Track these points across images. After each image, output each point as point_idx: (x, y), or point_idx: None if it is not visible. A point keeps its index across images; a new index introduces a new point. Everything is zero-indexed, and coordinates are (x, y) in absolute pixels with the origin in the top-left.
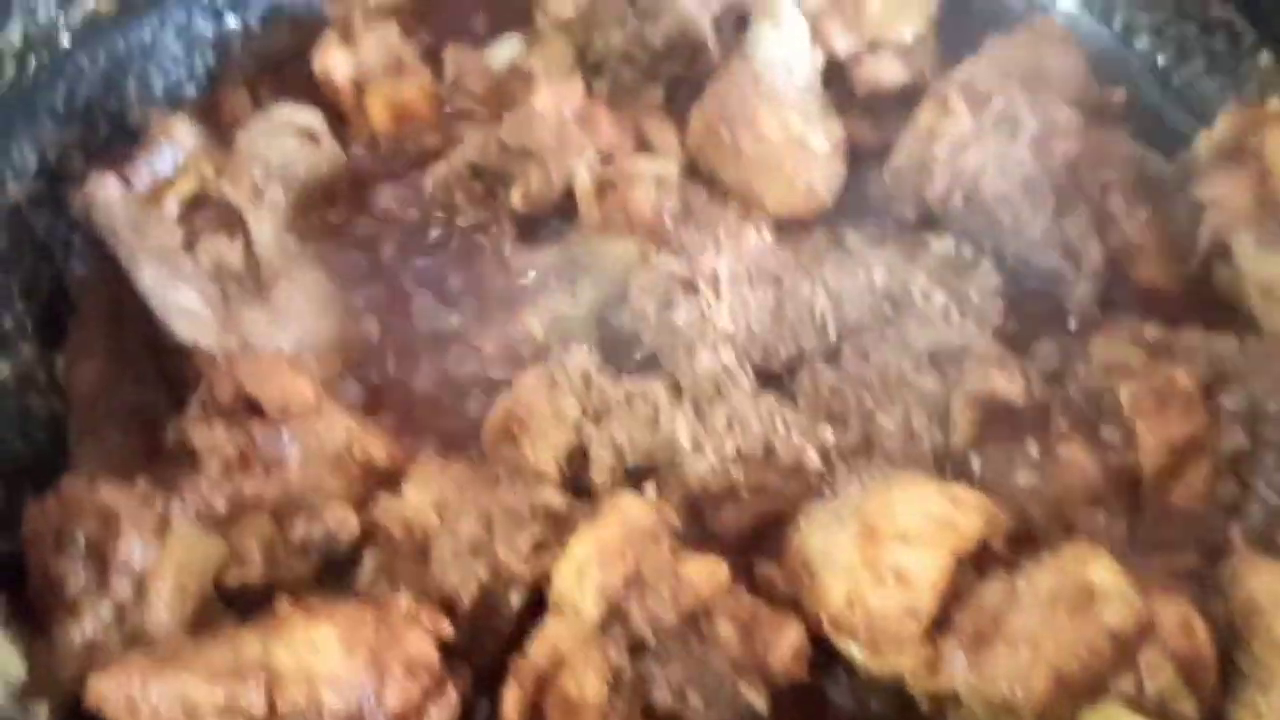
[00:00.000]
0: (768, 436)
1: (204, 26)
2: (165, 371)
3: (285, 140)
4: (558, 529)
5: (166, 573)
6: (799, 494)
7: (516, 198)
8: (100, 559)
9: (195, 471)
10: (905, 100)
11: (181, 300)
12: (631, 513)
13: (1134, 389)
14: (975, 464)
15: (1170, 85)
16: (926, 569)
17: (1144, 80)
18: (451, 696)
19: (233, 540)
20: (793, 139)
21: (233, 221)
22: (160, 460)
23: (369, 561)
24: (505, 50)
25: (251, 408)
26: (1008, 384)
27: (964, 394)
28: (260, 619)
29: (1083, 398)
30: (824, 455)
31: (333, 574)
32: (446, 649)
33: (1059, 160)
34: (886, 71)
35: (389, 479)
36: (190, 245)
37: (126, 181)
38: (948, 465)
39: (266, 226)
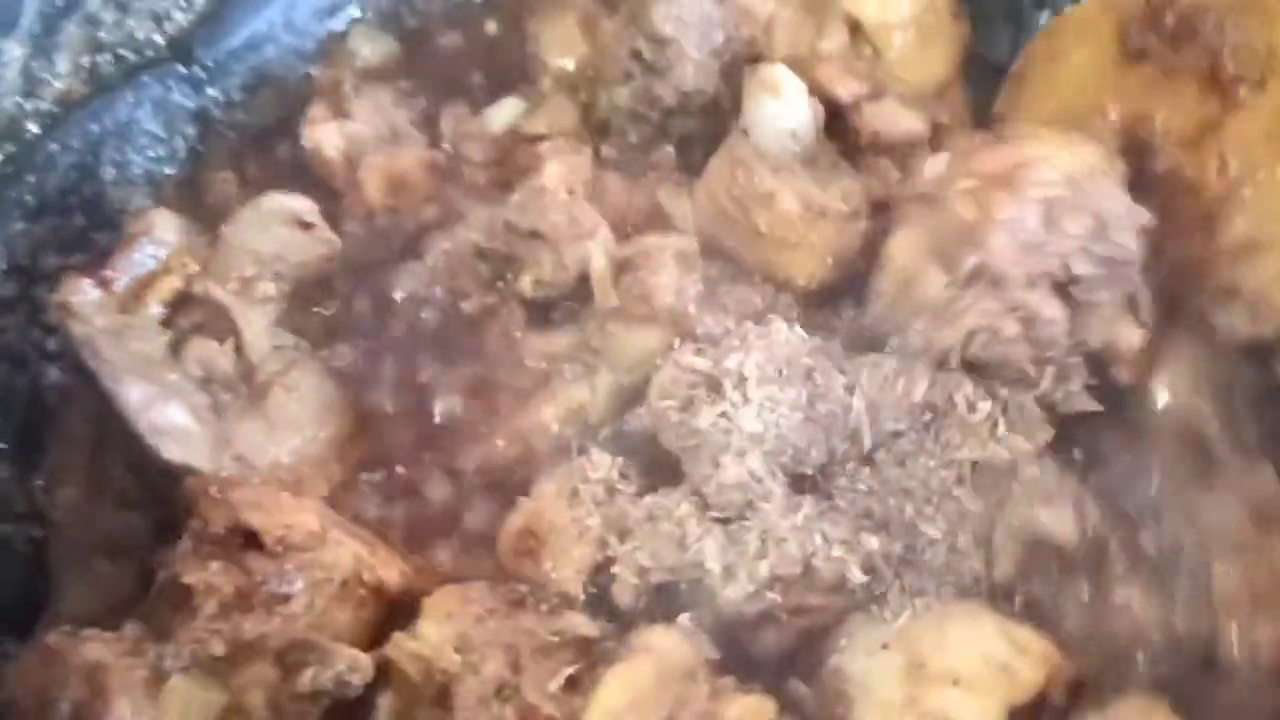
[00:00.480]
0: (806, 553)
1: (183, 99)
2: (154, 494)
3: (276, 229)
4: (589, 661)
5: None
6: (842, 609)
7: (527, 284)
8: None
9: (189, 611)
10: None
11: (169, 417)
12: (664, 649)
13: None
14: (1019, 596)
15: None
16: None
17: None
18: None
19: (233, 689)
20: (811, 210)
21: (221, 322)
22: (151, 595)
23: (384, 706)
24: (505, 112)
25: (249, 538)
26: (1057, 524)
27: (1008, 527)
28: None
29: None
30: (868, 566)
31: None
32: None
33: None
34: (893, 120)
35: (402, 604)
36: (176, 350)
37: (104, 284)
38: (995, 589)
39: (258, 325)
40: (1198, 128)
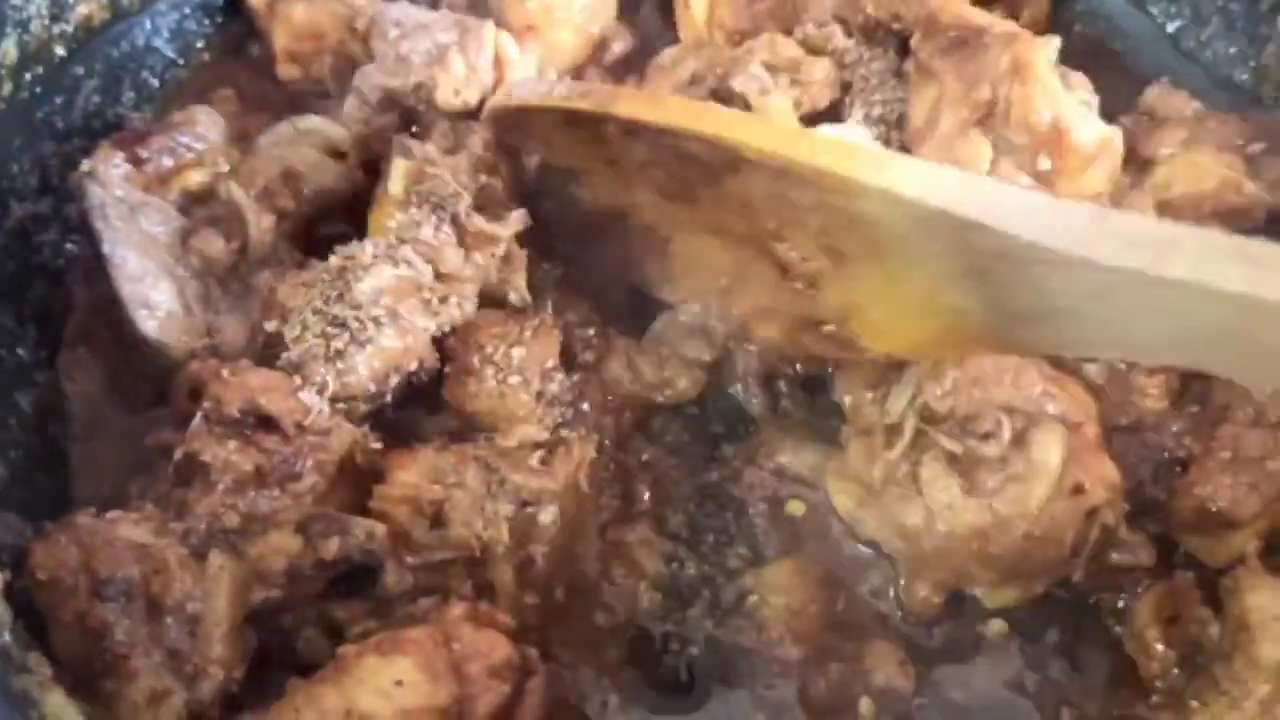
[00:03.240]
0: None
1: (197, 26)
2: (142, 373)
3: (307, 150)
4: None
5: (219, 606)
6: None
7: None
8: (147, 601)
9: (203, 488)
10: None
11: (157, 294)
12: None
13: None
14: None
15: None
16: None
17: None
18: (537, 666)
19: (254, 559)
20: None
21: (234, 223)
22: (160, 473)
23: (392, 572)
24: None
25: (261, 420)
26: None
27: None
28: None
29: None
30: None
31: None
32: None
33: None
34: None
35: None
36: (184, 240)
37: (135, 160)
38: None
39: (267, 233)
40: None
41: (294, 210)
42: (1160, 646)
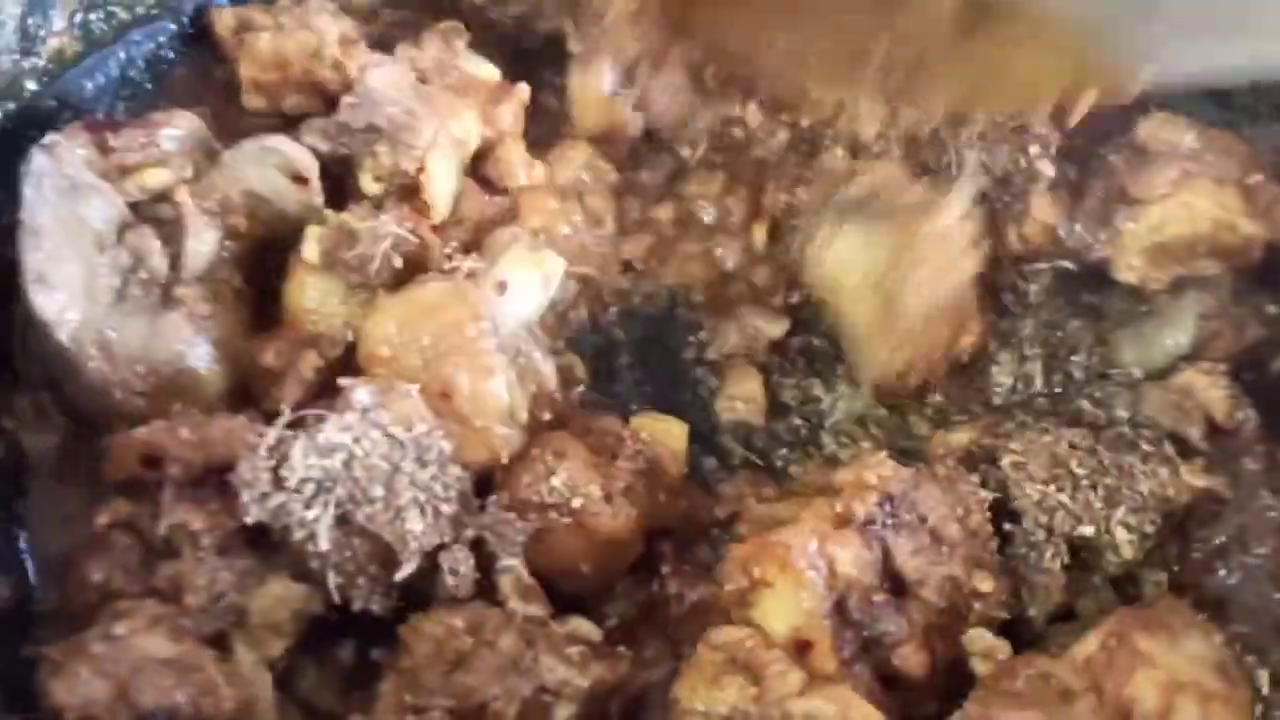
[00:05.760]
0: None
1: (171, 54)
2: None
3: (270, 172)
4: None
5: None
6: None
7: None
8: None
9: (193, 561)
10: None
11: (62, 274)
12: None
13: None
14: None
15: None
16: None
17: None
18: None
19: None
20: None
21: (178, 230)
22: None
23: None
24: None
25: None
26: None
27: None
28: None
29: None
30: None
31: None
32: None
33: None
34: None
35: None
36: (120, 234)
37: (101, 146)
38: None
39: (206, 248)
40: None
41: (245, 231)
42: None
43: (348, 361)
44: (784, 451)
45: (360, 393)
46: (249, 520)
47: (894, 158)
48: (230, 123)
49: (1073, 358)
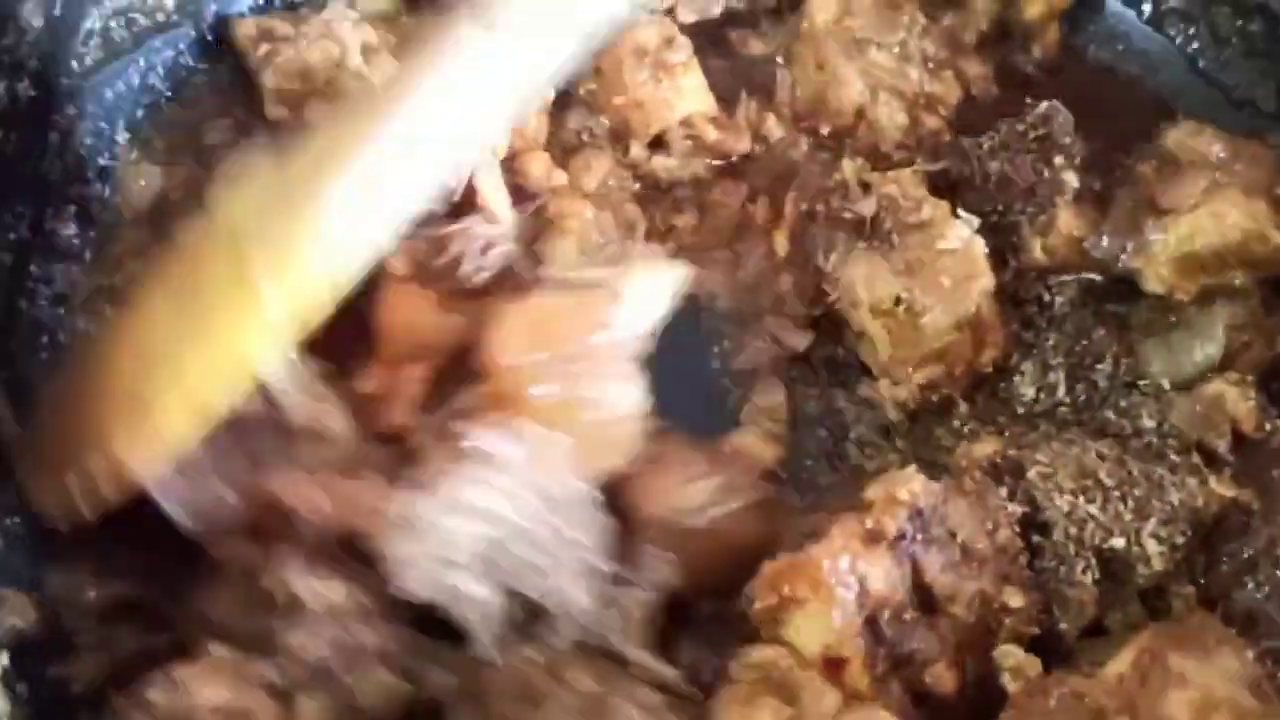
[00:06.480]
0: None
1: (193, 61)
2: None
3: None
4: None
5: None
6: None
7: None
8: None
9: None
10: None
11: None
12: None
13: None
14: None
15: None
16: None
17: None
18: None
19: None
20: None
21: None
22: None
23: None
24: None
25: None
26: None
27: None
28: None
29: None
30: None
31: None
32: None
33: None
34: None
35: None
36: None
37: None
38: None
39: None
40: None
41: None
42: None
43: (451, 373)
44: (809, 463)
45: (507, 446)
46: (413, 600)
47: (914, 167)
48: (252, 133)
49: (1098, 368)
